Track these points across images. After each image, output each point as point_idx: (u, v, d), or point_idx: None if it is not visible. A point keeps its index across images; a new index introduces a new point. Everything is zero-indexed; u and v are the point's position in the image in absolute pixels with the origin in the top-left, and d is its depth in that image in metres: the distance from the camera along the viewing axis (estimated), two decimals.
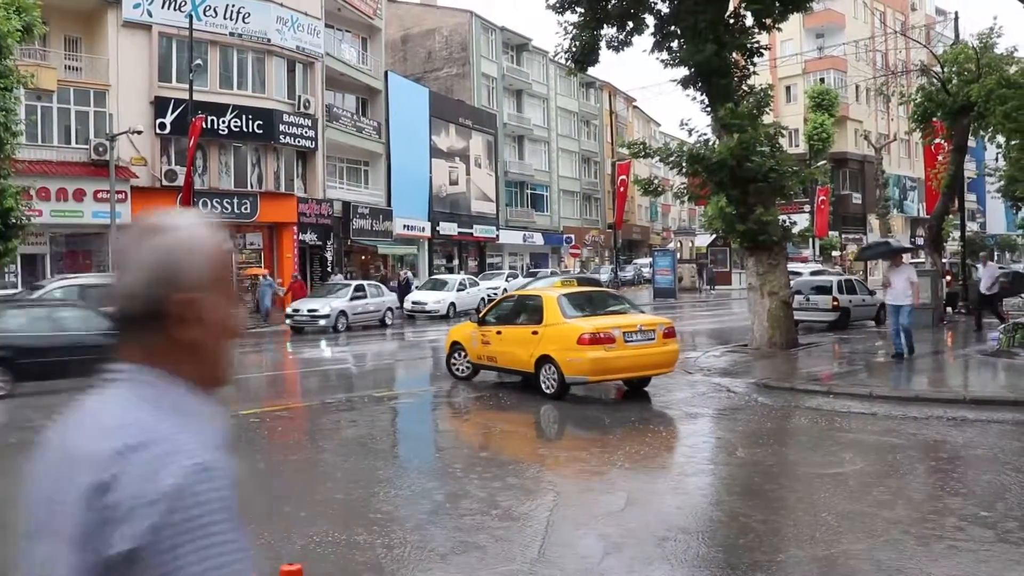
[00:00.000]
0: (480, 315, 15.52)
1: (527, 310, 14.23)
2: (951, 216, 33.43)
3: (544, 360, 12.99)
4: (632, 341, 12.68)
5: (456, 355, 15.26)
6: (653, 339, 12.97)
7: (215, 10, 33.89)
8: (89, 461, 1.28)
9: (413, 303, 33.79)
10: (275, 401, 14.00)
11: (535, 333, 13.26)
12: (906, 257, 23.17)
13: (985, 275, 22.64)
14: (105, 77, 31.26)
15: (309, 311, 27.08)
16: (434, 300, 33.37)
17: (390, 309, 30.23)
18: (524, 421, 12.13)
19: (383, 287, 31.80)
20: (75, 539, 1.26)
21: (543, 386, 13.07)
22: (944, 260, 29.22)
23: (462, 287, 35.33)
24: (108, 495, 1.25)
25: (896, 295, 15.94)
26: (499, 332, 14.16)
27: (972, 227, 67.85)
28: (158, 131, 32.26)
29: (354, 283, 30.27)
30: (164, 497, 1.23)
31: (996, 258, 79.06)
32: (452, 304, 33.10)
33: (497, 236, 56.07)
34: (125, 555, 1.23)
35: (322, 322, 26.78)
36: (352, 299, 28.13)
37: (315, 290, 31.36)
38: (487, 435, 11.26)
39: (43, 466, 1.39)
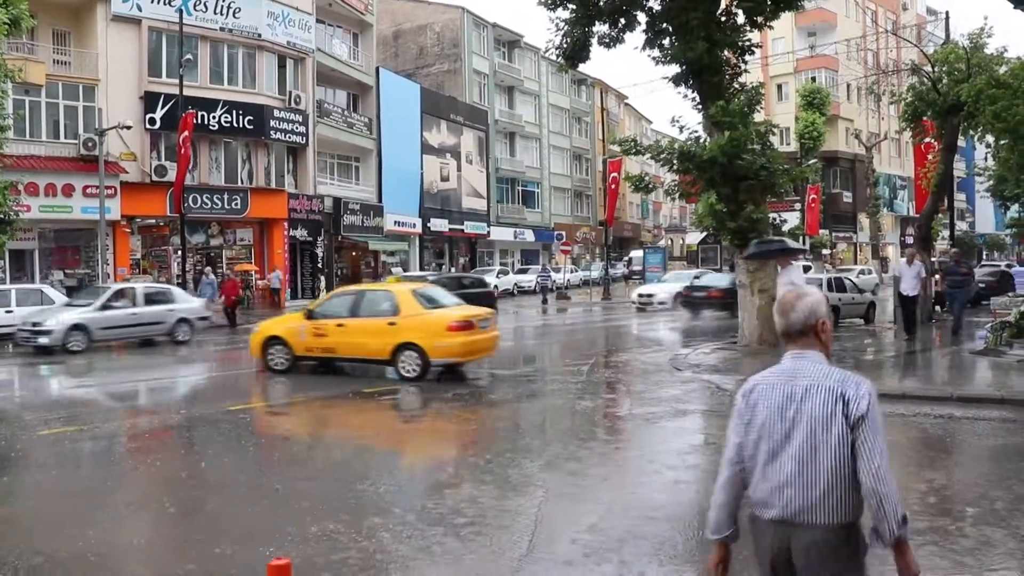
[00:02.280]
0: (309, 310, 16.38)
1: (375, 304, 15.58)
2: (940, 215, 33.51)
3: (405, 347, 14.48)
4: (482, 328, 15.20)
5: (273, 349, 15.75)
6: (488, 327, 15.58)
7: (205, 5, 33.78)
8: (832, 385, 3.02)
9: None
10: None
11: (392, 324, 14.72)
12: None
13: (908, 274, 19.56)
14: (94, 72, 31.13)
15: (33, 324, 20.60)
16: None
17: (184, 320, 22.89)
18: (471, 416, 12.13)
19: (174, 291, 24.73)
20: (831, 424, 2.97)
21: (402, 370, 14.52)
22: (933, 259, 29.28)
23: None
24: (845, 396, 2.99)
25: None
26: (340, 325, 15.20)
27: (961, 226, 68.19)
28: (148, 126, 32.16)
29: (115, 287, 23.55)
30: (865, 395, 2.99)
31: (982, 256, 79.30)
32: None
33: (488, 233, 56.08)
34: (856, 419, 2.96)
35: (43, 339, 20.17)
36: (103, 308, 21.30)
37: (75, 295, 24.76)
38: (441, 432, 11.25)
39: (783, 395, 3.09)
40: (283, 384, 14.97)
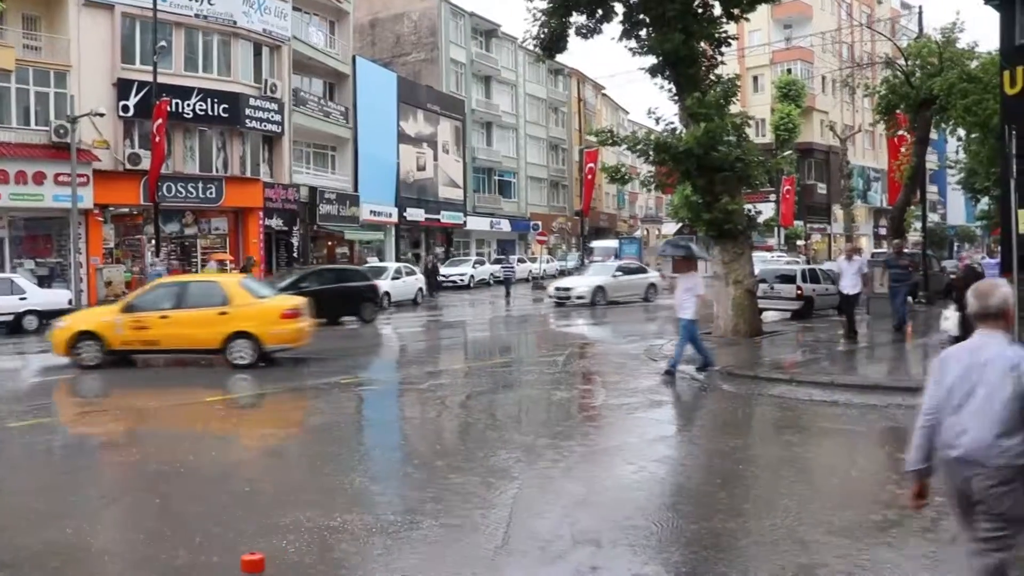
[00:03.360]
0: (127, 302, 16.37)
1: (203, 295, 15.89)
2: (913, 207, 33.89)
3: (238, 335, 15.02)
4: (305, 315, 16.12)
5: (82, 345, 15.41)
6: (306, 315, 16.31)
7: None
8: (1010, 356, 3.86)
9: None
10: None
11: (223, 313, 15.19)
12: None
13: (848, 271, 18.21)
14: (66, 57, 30.72)
15: None
16: None
17: None
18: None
19: None
20: (1004, 387, 3.81)
21: (234, 358, 15.03)
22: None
23: (397, 275, 33.56)
24: (1019, 368, 3.80)
25: (677, 305, 14.09)
26: (165, 316, 15.33)
27: (933, 218, 68.85)
28: (121, 114, 31.81)
29: None
30: None
31: (953, 248, 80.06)
32: (387, 294, 30.90)
33: (464, 222, 55.97)
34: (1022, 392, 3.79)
35: None
36: None
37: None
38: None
39: (968, 364, 3.96)
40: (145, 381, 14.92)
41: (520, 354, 19.23)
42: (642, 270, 33.97)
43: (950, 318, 15.23)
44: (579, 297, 30.43)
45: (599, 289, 30.73)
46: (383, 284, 31.08)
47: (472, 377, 14.89)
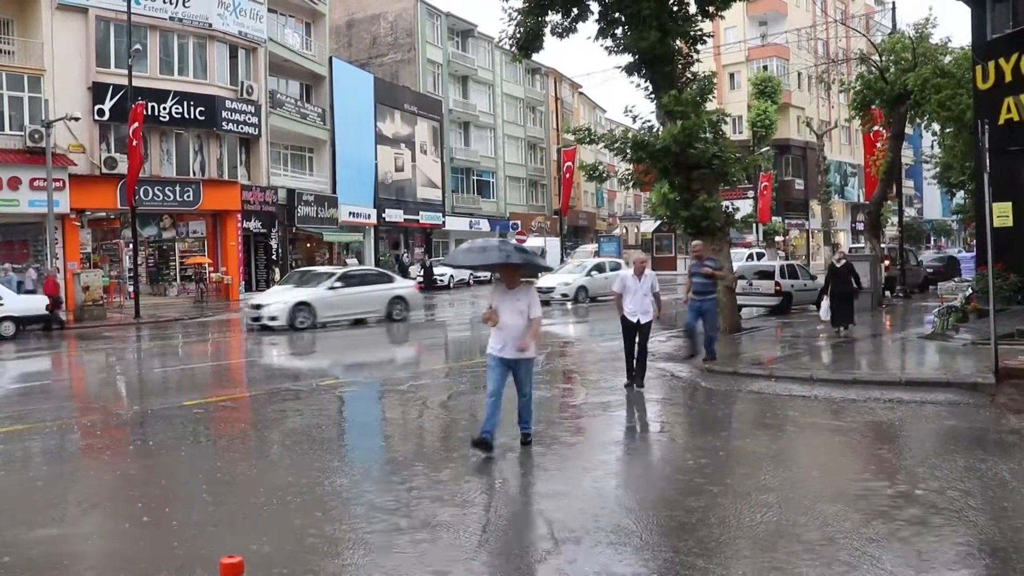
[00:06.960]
0: None
1: None
2: (889, 202, 34.19)
3: None
4: None
5: None
6: None
7: None
8: None
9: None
10: None
11: None
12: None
13: (638, 292, 12.12)
14: (40, 62, 30.52)
15: None
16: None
17: None
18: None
19: None
20: None
21: None
22: (883, 245, 29.87)
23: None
24: None
25: (501, 336, 8.53)
26: None
27: (910, 212, 69.54)
28: (96, 117, 31.67)
29: None
30: None
31: (930, 241, 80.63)
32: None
33: (443, 223, 56.01)
34: None
35: None
36: None
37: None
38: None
39: None
40: None
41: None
42: (383, 278, 26.18)
43: (823, 308, 18.44)
44: (271, 318, 22.75)
45: (301, 306, 23.01)
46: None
47: None
